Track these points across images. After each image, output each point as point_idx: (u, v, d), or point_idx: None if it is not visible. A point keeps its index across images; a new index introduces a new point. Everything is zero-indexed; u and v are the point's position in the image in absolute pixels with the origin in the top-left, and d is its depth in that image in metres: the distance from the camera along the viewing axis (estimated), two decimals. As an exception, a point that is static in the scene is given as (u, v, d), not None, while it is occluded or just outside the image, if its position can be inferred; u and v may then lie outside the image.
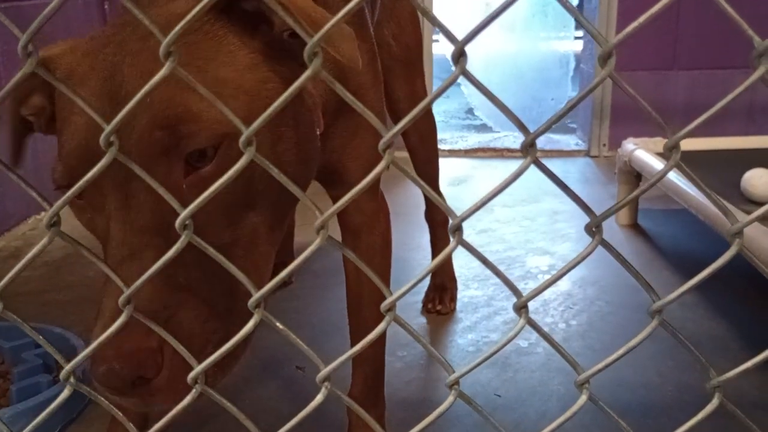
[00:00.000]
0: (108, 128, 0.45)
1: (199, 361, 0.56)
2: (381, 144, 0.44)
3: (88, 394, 0.54)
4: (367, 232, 1.11)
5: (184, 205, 0.63)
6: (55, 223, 0.48)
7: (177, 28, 0.42)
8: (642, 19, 0.41)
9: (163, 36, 0.42)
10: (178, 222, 0.47)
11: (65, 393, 0.54)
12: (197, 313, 0.63)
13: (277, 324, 0.49)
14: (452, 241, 0.46)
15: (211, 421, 1.34)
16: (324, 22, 0.63)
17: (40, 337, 0.54)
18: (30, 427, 0.57)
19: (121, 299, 0.51)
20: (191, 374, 0.51)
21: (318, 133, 0.87)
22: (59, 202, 0.48)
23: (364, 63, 1.04)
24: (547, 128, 0.44)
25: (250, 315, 0.68)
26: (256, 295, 0.49)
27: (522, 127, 0.44)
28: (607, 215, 0.46)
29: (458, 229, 0.46)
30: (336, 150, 1.03)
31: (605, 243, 0.46)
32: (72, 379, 0.53)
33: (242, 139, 0.45)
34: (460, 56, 0.43)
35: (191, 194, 0.66)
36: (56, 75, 0.72)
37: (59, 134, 0.72)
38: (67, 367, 0.53)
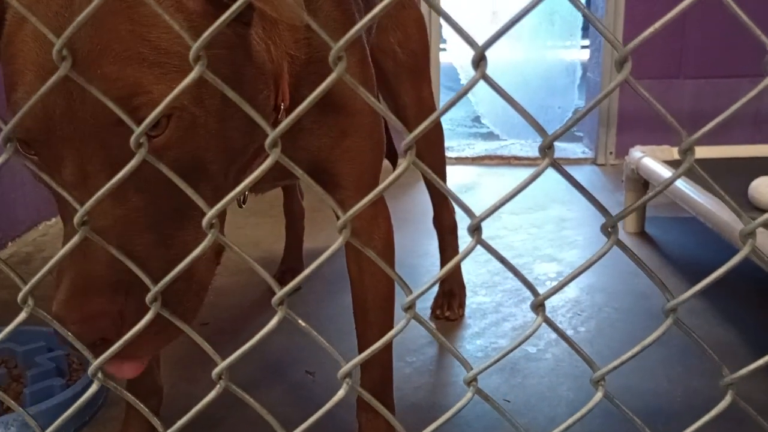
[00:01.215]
0: (137, 131, 0.46)
1: (157, 321, 0.59)
2: (403, 145, 0.46)
3: (114, 389, 0.56)
4: (366, 237, 1.10)
5: (140, 175, 0.64)
6: (85, 222, 0.50)
7: (205, 34, 0.44)
8: (658, 24, 0.42)
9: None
10: (205, 221, 0.49)
11: (93, 387, 0.55)
12: (157, 270, 0.65)
13: (300, 322, 0.50)
14: (471, 240, 0.48)
15: (221, 423, 1.35)
16: None
17: (68, 333, 0.55)
18: (54, 426, 0.58)
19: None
20: (216, 370, 0.52)
21: (283, 106, 0.88)
22: (91, 200, 0.50)
23: (353, 63, 1.03)
24: (566, 131, 0.46)
25: (204, 276, 0.73)
26: (279, 293, 0.50)
27: (540, 130, 0.46)
28: (622, 216, 0.47)
29: (477, 228, 0.47)
30: (323, 149, 1.01)
31: (620, 243, 0.48)
32: (100, 375, 0.54)
33: (268, 141, 0.46)
34: (480, 60, 0.44)
35: (145, 163, 0.67)
36: (8, 13, 0.71)
37: (11, 84, 0.70)
38: (95, 363, 0.54)
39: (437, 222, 1.84)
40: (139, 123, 0.64)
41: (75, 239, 0.50)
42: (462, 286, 1.85)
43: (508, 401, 1.41)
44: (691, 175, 1.65)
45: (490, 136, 3.79)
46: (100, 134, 0.65)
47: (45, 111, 0.65)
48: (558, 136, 0.45)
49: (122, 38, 0.65)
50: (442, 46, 3.38)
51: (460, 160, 3.38)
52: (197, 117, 0.68)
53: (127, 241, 0.66)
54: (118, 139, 0.66)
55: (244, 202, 1.00)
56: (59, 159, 0.68)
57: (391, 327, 1.16)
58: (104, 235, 0.63)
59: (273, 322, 0.49)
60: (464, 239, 1.92)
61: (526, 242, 2.30)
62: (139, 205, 0.67)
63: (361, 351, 1.16)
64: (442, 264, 1.88)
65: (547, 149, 0.46)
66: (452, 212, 1.83)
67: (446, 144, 1.82)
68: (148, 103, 0.65)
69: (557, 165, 0.46)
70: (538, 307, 0.49)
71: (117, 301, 0.64)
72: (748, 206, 1.80)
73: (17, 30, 0.70)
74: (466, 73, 3.95)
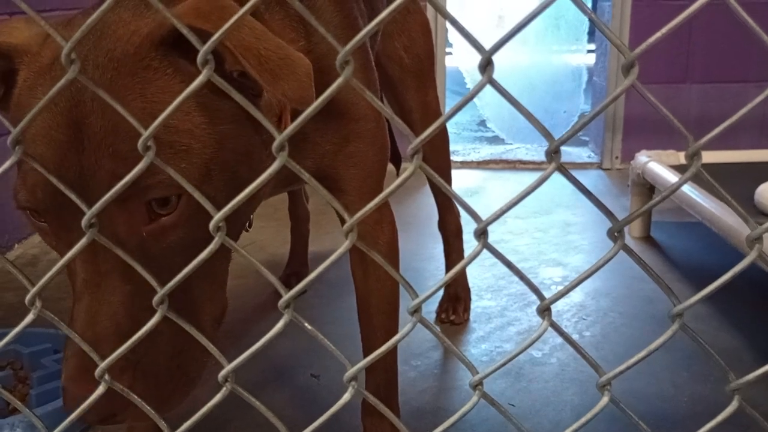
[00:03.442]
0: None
1: (168, 386, 0.68)
2: (409, 150, 0.46)
3: (121, 392, 0.56)
4: (371, 241, 1.10)
5: (145, 249, 0.67)
6: (93, 225, 0.50)
7: (219, 32, 0.44)
8: (665, 29, 0.42)
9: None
10: (212, 224, 0.49)
11: (100, 389, 0.55)
12: (163, 343, 0.68)
13: (306, 325, 0.50)
14: (478, 245, 0.48)
15: (226, 425, 1.35)
16: (274, 58, 0.63)
17: (75, 334, 0.56)
18: (61, 427, 0.59)
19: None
20: (222, 373, 0.53)
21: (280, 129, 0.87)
22: (98, 204, 0.50)
23: (356, 68, 1.02)
24: (572, 136, 0.46)
25: (210, 332, 0.72)
26: (286, 296, 0.50)
27: (547, 135, 0.46)
28: (628, 220, 0.47)
29: (484, 233, 0.47)
30: (327, 155, 1.01)
31: (627, 248, 0.48)
32: (107, 377, 0.54)
33: (275, 145, 0.46)
34: (487, 65, 0.44)
35: (152, 240, 0.68)
36: (18, 75, 0.72)
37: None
38: (102, 365, 0.54)
39: (442, 226, 1.84)
40: (148, 204, 0.65)
41: (83, 241, 0.51)
42: (467, 290, 1.85)
43: (513, 405, 1.41)
44: (697, 179, 1.65)
45: (495, 140, 3.79)
46: (106, 211, 0.65)
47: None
48: (564, 141, 0.45)
49: (134, 116, 0.65)
50: (447, 50, 3.38)
51: (466, 164, 3.38)
52: (206, 195, 0.68)
53: (136, 315, 0.66)
54: (124, 215, 0.67)
55: (249, 226, 1.00)
56: (69, 231, 0.68)
57: (396, 331, 1.16)
58: (113, 310, 0.66)
59: (279, 325, 0.49)
60: (469, 243, 1.92)
61: (531, 246, 2.30)
62: (146, 279, 0.67)
63: (365, 354, 1.16)
64: (447, 268, 1.88)
65: (553, 154, 0.46)
66: (457, 216, 1.83)
67: (451, 148, 1.82)
68: (158, 184, 0.65)
69: (564, 169, 0.46)
70: (545, 311, 0.49)
71: (125, 378, 0.64)
72: (753, 211, 1.79)
73: (28, 96, 0.70)
74: (471, 77, 3.95)
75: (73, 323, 0.67)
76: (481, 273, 2.04)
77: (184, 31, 0.45)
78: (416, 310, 0.49)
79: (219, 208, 0.65)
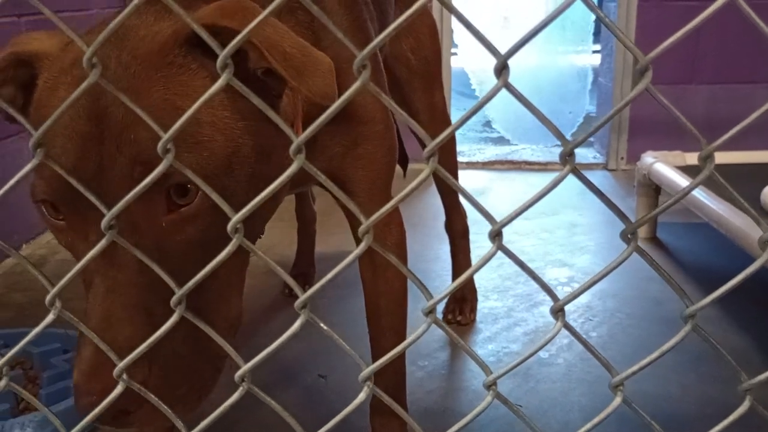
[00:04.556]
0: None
1: (182, 387, 0.67)
2: (425, 152, 0.46)
3: (139, 391, 0.57)
4: (380, 243, 1.11)
5: (163, 242, 0.67)
6: (112, 227, 0.51)
7: (231, 45, 0.45)
8: (679, 33, 0.43)
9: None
10: (229, 226, 0.49)
11: (119, 388, 0.56)
12: (177, 345, 0.68)
13: (322, 325, 0.51)
14: (492, 246, 0.48)
15: (235, 426, 1.36)
16: (298, 56, 0.65)
17: (93, 333, 0.56)
18: (78, 427, 0.59)
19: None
20: (239, 372, 0.53)
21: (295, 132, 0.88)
22: (119, 205, 0.51)
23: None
24: (586, 138, 0.46)
25: (225, 337, 0.69)
26: (303, 297, 0.51)
27: (561, 138, 0.46)
28: (642, 222, 0.47)
29: (498, 234, 0.48)
30: (336, 157, 1.02)
31: (640, 250, 0.48)
32: (125, 376, 0.55)
33: (293, 148, 0.47)
34: (502, 69, 0.45)
35: (171, 231, 0.68)
36: (39, 78, 0.73)
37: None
38: (120, 364, 0.55)
39: (449, 226, 1.84)
40: (167, 190, 0.65)
41: (102, 243, 0.51)
42: (473, 291, 1.86)
43: (521, 406, 1.42)
44: (707, 181, 1.66)
45: (500, 140, 3.79)
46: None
47: (76, 175, 0.64)
48: (579, 144, 0.46)
49: (156, 106, 0.65)
50: (453, 50, 3.39)
51: (471, 165, 3.38)
52: (227, 187, 0.68)
53: (151, 310, 0.66)
54: (143, 204, 0.66)
55: (262, 233, 1.01)
56: (86, 225, 0.68)
57: (404, 331, 1.17)
58: (128, 302, 0.65)
59: (296, 325, 0.50)
60: (476, 243, 1.93)
61: (538, 247, 2.30)
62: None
63: (374, 355, 1.17)
64: (454, 268, 1.88)
65: (567, 156, 0.46)
66: (464, 217, 1.84)
67: (457, 148, 1.82)
68: (177, 171, 0.65)
69: (578, 172, 0.47)
70: (558, 312, 0.49)
71: (139, 372, 0.62)
72: (761, 212, 1.79)
73: (50, 96, 0.71)
74: (477, 77, 3.95)
75: (88, 320, 0.66)
76: (487, 274, 2.05)
77: (204, 36, 0.46)
78: (431, 311, 0.50)
79: (238, 203, 0.64)
